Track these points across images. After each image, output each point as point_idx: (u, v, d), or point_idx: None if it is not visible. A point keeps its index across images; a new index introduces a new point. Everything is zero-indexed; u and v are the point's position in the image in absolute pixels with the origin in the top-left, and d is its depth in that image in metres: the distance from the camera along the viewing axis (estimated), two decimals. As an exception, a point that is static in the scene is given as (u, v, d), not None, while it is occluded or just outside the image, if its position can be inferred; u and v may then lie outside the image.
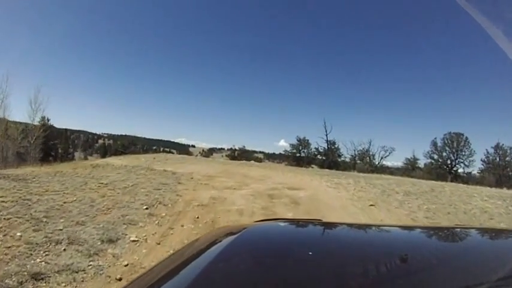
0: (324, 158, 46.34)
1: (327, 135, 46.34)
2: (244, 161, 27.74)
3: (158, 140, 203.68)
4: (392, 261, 1.08)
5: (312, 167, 44.42)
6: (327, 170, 28.67)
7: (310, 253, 1.18)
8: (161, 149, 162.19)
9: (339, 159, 47.04)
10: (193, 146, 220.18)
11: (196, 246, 1.36)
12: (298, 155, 48.80)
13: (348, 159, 47.13)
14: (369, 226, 2.27)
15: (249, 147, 51.09)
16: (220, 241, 1.29)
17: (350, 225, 2.02)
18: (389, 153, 45.59)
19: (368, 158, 45.86)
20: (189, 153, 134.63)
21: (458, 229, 1.88)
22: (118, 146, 40.23)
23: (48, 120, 36.07)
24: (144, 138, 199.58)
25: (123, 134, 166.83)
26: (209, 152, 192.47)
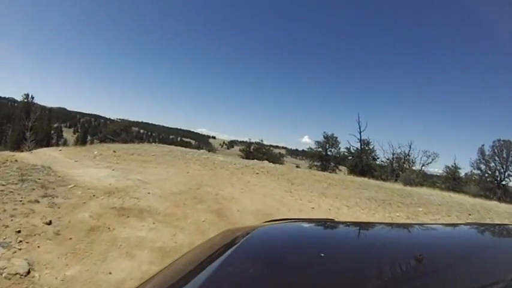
0: (356, 159, 37.27)
1: (360, 132, 38.15)
2: (255, 161, 19.39)
3: (177, 129, 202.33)
4: (407, 262, 1.03)
5: (340, 170, 38.29)
6: (361, 180, 19.55)
7: (322, 254, 1.09)
8: (179, 138, 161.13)
9: (374, 163, 38.15)
10: (214, 137, 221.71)
11: (207, 248, 1.32)
12: (324, 154, 40.12)
13: (382, 163, 39.14)
14: (381, 225, 2.13)
15: (271, 142, 42.49)
16: (231, 242, 1.26)
17: (362, 224, 2.12)
18: (432, 159, 38.11)
19: (407, 163, 38.09)
20: (209, 144, 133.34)
21: (474, 226, 1.92)
22: (108, 131, 32.23)
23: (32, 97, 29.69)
24: (163, 126, 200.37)
25: (140, 120, 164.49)
26: (230, 145, 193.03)
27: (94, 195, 7.38)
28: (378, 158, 38.73)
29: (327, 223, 1.75)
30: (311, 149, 41.67)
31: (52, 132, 64.65)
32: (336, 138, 40.72)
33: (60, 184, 7.90)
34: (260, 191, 10.65)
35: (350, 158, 38.90)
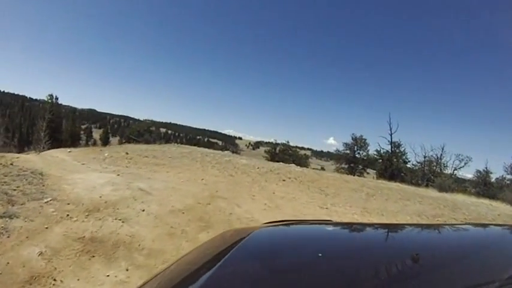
0: (386, 163, 34.84)
1: (391, 134, 35.38)
2: (280, 165, 17.18)
3: (204, 130, 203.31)
4: (404, 261, 1.05)
5: (367, 173, 36.53)
6: (397, 187, 17.40)
7: (320, 254, 1.11)
8: (206, 139, 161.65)
9: (404, 166, 35.72)
10: (240, 138, 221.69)
11: (206, 249, 1.33)
12: (352, 156, 38.01)
13: (413, 167, 36.49)
14: (379, 225, 2.17)
15: (296, 143, 40.86)
16: (230, 244, 1.23)
17: (359, 225, 2.15)
18: (465, 163, 35.14)
19: (439, 167, 35.44)
20: (235, 145, 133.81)
21: (470, 227, 1.93)
22: (131, 132, 31.18)
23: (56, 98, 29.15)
24: (190, 127, 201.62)
25: (168, 121, 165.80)
26: (256, 146, 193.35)
27: (68, 215, 5.83)
28: (409, 161, 36.32)
29: (325, 224, 1.77)
30: (338, 151, 39.47)
31: (82, 132, 65.11)
32: (365, 140, 38.34)
33: (36, 197, 6.46)
34: (288, 207, 8.79)
35: (379, 161, 36.48)
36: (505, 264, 1.08)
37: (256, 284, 0.92)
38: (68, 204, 6.39)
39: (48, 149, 19.76)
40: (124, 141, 33.66)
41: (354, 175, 28.68)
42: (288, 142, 40.16)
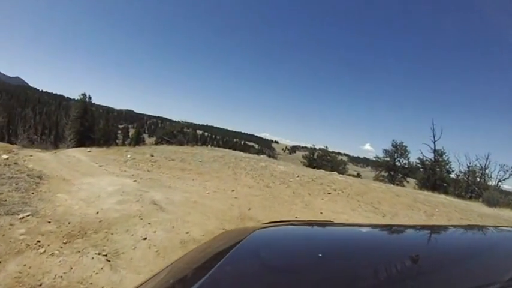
0: (428, 172, 31.97)
1: (434, 142, 32.36)
2: (321, 173, 15.09)
3: (241, 133, 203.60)
4: (403, 262, 1.03)
5: (407, 182, 33.85)
6: (452, 202, 14.99)
7: (320, 255, 1.09)
8: (242, 142, 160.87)
9: (448, 176, 32.71)
10: (277, 142, 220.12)
11: (206, 249, 1.34)
12: (392, 164, 35.42)
13: (457, 177, 33.17)
14: (379, 226, 2.10)
15: (332, 149, 38.78)
16: (230, 244, 1.22)
17: (359, 226, 2.12)
18: (510, 175, 31.24)
19: (483, 178, 31.92)
20: (271, 149, 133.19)
21: (470, 228, 1.88)
22: (164, 132, 30.12)
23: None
24: (227, 130, 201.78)
25: (204, 124, 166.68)
26: (292, 150, 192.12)
27: (39, 242, 4.16)
28: (453, 171, 33.04)
29: (325, 225, 1.78)
30: (378, 157, 36.89)
31: (119, 132, 65.56)
32: (406, 147, 35.55)
33: (13, 210, 5.01)
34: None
35: (421, 169, 33.63)
36: (506, 266, 1.06)
37: (255, 283, 0.91)
38: (49, 222, 4.80)
39: (74, 146, 18.68)
40: (157, 141, 32.51)
41: (393, 183, 26.34)
42: (326, 148, 37.92)
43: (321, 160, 35.16)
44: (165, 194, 7.18)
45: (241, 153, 21.58)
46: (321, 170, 17.67)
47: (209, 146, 39.55)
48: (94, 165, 10.53)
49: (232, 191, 8.63)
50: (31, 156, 11.18)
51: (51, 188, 6.76)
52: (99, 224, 4.97)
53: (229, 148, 35.89)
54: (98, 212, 5.50)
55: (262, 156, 24.45)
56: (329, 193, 10.36)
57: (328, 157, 37.50)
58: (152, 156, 12.98)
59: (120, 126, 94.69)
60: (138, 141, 34.67)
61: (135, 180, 8.45)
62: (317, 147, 38.54)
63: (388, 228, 1.94)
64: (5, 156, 10.32)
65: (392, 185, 19.74)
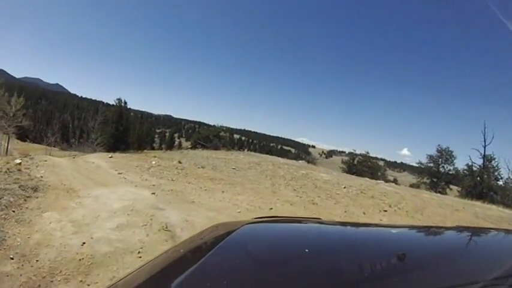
0: (475, 179, 29.31)
1: (485, 147, 29.51)
2: (368, 182, 13.63)
3: (278, 137, 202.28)
4: (390, 259, 1.02)
5: (450, 189, 31.57)
6: (497, 210, 12.42)
7: (307, 250, 1.10)
8: (279, 146, 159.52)
9: (495, 184, 29.97)
10: (314, 147, 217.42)
11: (194, 241, 1.32)
12: (435, 170, 33.17)
13: (503, 184, 30.44)
14: (367, 225, 2.22)
15: (371, 154, 36.93)
16: (218, 237, 1.24)
17: (348, 224, 2.19)
18: None
19: None
20: (308, 154, 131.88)
21: (458, 229, 1.88)
22: (198, 136, 29.25)
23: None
24: (264, 134, 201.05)
25: (242, 128, 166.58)
26: (329, 154, 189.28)
27: None
28: (502, 178, 30.19)
29: (314, 222, 1.72)
30: (421, 163, 34.32)
31: (156, 136, 65.87)
32: (451, 152, 32.75)
33: None
34: None
35: (468, 176, 30.65)
36: (491, 266, 1.05)
37: (242, 275, 0.91)
38: (11, 258, 3.54)
39: (107, 151, 17.84)
40: (192, 145, 31.69)
41: (435, 191, 23.99)
42: (367, 153, 35.82)
43: (361, 166, 33.38)
44: (185, 213, 5.67)
45: (280, 159, 20.67)
46: (366, 178, 16.22)
47: (245, 150, 38.40)
48: (112, 173, 9.24)
49: (271, 209, 6.94)
50: (45, 161, 10.08)
51: (43, 204, 5.45)
52: (77, 264, 3.49)
53: (266, 153, 34.59)
54: (84, 243, 4.04)
55: (301, 162, 23.16)
56: (385, 210, 8.79)
57: (369, 163, 35.55)
58: (180, 162, 11.58)
59: (158, 131, 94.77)
60: (172, 145, 33.77)
61: (153, 193, 7.06)
62: (358, 153, 36.80)
63: (377, 227, 1.97)
64: (17, 161, 9.26)
65: (440, 194, 17.84)
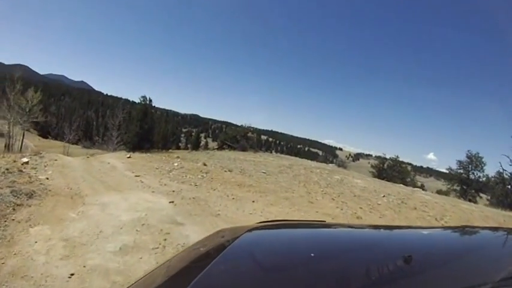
0: (507, 188, 27.86)
1: None
2: (404, 189, 12.84)
3: (305, 139, 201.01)
4: (396, 262, 1.01)
5: (480, 197, 30.28)
6: None
7: (313, 254, 1.09)
8: (306, 148, 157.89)
9: None
10: (341, 149, 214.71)
11: (201, 247, 1.25)
12: (466, 177, 31.38)
13: None
14: (372, 227, 2.12)
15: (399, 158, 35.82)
16: (223, 243, 1.24)
17: (353, 226, 2.17)
18: None
19: None
20: (336, 156, 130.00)
21: (464, 229, 1.85)
22: (225, 137, 28.24)
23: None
24: (291, 136, 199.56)
25: (269, 129, 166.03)
26: (356, 157, 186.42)
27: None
28: None
29: (318, 225, 1.73)
30: (451, 169, 32.69)
31: (182, 135, 65.85)
32: (481, 158, 31.04)
33: None
34: None
35: (499, 184, 28.77)
36: (498, 267, 1.05)
37: (248, 281, 0.90)
38: None
39: (131, 150, 17.31)
40: (218, 146, 30.74)
41: (465, 199, 22.95)
42: (397, 157, 34.49)
43: (391, 171, 32.08)
44: (208, 232, 4.59)
45: (310, 162, 20.11)
46: (401, 185, 15.51)
47: (273, 152, 37.44)
48: (128, 175, 8.37)
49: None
50: (55, 160, 9.33)
51: (35, 215, 4.58)
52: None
53: (295, 155, 33.64)
54: (72, 275, 3.09)
55: (331, 165, 23.08)
56: (432, 224, 8.00)
57: (399, 168, 34.23)
58: (205, 165, 10.59)
59: (184, 130, 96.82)
60: (198, 145, 33.10)
61: (171, 201, 6.14)
62: (387, 157, 35.66)
63: (381, 229, 1.92)
64: (24, 160, 8.54)
65: (473, 204, 16.60)
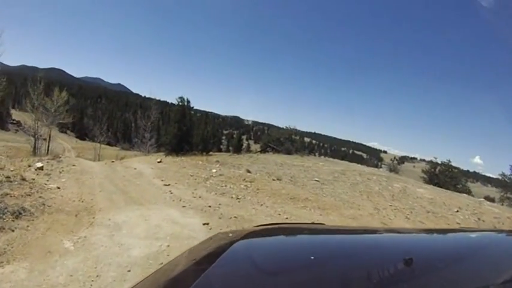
0: None
1: None
2: (466, 199, 11.69)
3: (349, 141, 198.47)
4: (397, 265, 0.99)
5: None
6: None
7: (312, 257, 1.07)
8: (350, 151, 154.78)
9: None
10: (385, 152, 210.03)
11: (198, 251, 1.25)
12: None
13: None
14: (372, 230, 2.14)
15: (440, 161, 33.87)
16: (222, 246, 1.20)
17: (353, 229, 2.20)
18: None
19: None
20: (380, 159, 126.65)
21: (464, 232, 1.87)
22: (269, 139, 27.32)
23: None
24: (334, 138, 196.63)
25: (312, 131, 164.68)
26: (400, 160, 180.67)
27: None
28: None
29: (318, 228, 1.67)
30: (504, 175, 30.50)
31: (223, 138, 65.93)
32: None
33: None
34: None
35: None
36: (499, 269, 1.05)
37: (247, 285, 0.89)
38: None
39: (168, 152, 16.55)
40: (261, 149, 29.82)
41: None
42: (449, 162, 32.41)
43: (443, 176, 30.27)
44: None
45: (363, 167, 19.52)
46: (464, 195, 14.78)
47: (316, 154, 36.10)
48: (156, 184, 7.23)
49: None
50: (74, 166, 8.35)
51: (16, 244, 3.57)
52: None
53: (341, 158, 32.15)
54: None
55: (382, 170, 23.55)
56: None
57: (452, 173, 32.24)
58: (249, 172, 9.25)
59: (225, 132, 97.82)
60: (240, 147, 32.16)
61: (206, 224, 5.02)
62: (439, 162, 33.88)
63: (382, 231, 1.88)
64: (39, 165, 7.59)
65: None
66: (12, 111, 47.47)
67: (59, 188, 6.01)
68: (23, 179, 5.77)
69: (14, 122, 43.98)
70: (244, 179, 8.19)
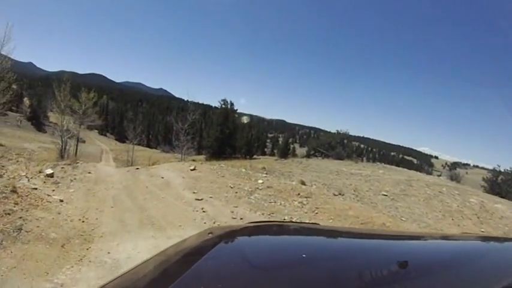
0: None
1: None
2: None
3: (398, 146, 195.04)
4: (392, 267, 0.96)
5: None
6: None
7: (304, 255, 1.03)
8: (400, 156, 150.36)
9: None
10: (436, 158, 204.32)
11: (187, 245, 1.22)
12: None
13: None
14: (367, 232, 2.12)
15: (485, 165, 32.41)
16: (214, 240, 1.18)
17: (348, 231, 2.11)
18: None
19: None
20: (431, 165, 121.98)
21: (461, 237, 1.87)
22: (318, 143, 26.01)
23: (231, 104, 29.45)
24: (383, 142, 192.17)
25: (360, 135, 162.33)
26: (452, 167, 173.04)
27: None
28: None
29: (312, 227, 1.69)
30: None
31: (268, 141, 65.55)
32: None
33: None
34: None
35: None
36: (497, 276, 1.01)
37: (237, 278, 0.87)
38: None
39: (211, 156, 15.63)
40: (308, 153, 28.58)
41: None
42: None
43: (505, 185, 28.08)
44: None
45: (423, 175, 18.71)
46: None
47: (364, 159, 34.50)
48: (186, 197, 6.05)
49: None
50: (89, 173, 7.38)
51: None
52: None
53: (396, 164, 30.48)
54: None
55: (443, 178, 22.82)
56: None
57: None
58: (303, 184, 7.85)
59: (270, 135, 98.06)
60: (286, 152, 30.91)
61: None
62: (502, 170, 31.62)
63: (377, 234, 1.89)
64: (49, 172, 6.58)
65: None
66: (50, 113, 49.11)
67: (61, 201, 5.03)
68: (13, 191, 4.66)
69: (51, 124, 45.42)
70: (299, 194, 6.81)
